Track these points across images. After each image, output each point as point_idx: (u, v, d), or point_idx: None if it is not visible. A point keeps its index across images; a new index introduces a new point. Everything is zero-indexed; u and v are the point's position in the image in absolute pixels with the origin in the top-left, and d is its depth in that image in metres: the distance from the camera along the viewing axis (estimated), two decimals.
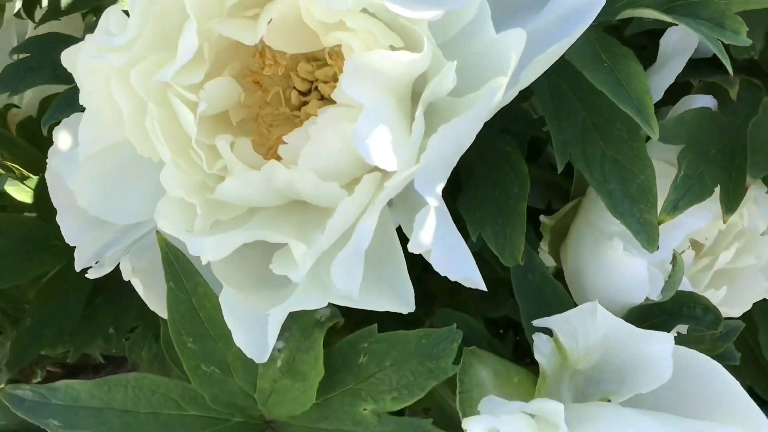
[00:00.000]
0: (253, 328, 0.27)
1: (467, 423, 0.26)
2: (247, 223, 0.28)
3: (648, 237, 0.32)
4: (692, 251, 0.36)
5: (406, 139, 0.25)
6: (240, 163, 0.27)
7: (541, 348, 0.34)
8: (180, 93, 0.27)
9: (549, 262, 0.39)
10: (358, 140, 0.24)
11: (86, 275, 0.31)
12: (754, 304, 0.40)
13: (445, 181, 0.27)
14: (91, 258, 0.31)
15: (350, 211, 0.26)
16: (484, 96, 0.25)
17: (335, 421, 0.33)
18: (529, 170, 0.40)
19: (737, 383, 0.31)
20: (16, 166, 0.44)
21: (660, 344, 0.30)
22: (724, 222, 0.33)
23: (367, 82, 0.25)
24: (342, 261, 0.26)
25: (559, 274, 0.39)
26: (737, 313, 0.38)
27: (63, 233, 0.30)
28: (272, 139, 0.29)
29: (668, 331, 0.35)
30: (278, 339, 0.31)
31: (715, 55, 0.29)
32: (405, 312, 0.27)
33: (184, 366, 0.30)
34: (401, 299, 0.28)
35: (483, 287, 0.28)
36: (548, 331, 0.34)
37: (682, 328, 0.35)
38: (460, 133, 0.25)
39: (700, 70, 0.38)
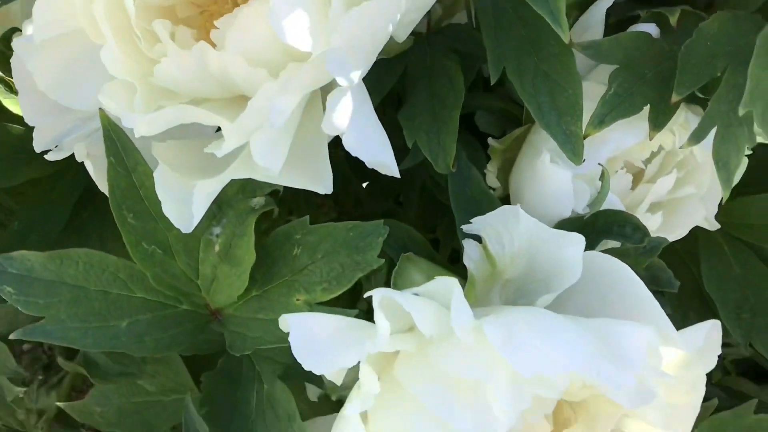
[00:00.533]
0: (182, 200, 0.29)
1: (370, 292, 0.28)
2: None
3: (573, 149, 0.33)
4: (629, 175, 0.37)
5: (323, 22, 0.27)
6: (175, 45, 0.29)
7: (470, 253, 0.35)
8: None
9: (497, 186, 0.40)
10: (274, 18, 0.26)
11: (46, 157, 0.34)
12: (697, 235, 0.41)
13: (364, 70, 0.29)
14: (50, 141, 0.34)
15: (271, 91, 0.27)
16: None
17: (271, 311, 0.35)
18: (488, 100, 0.42)
19: (645, 287, 0.32)
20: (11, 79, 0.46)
21: (572, 246, 0.32)
22: (651, 139, 0.34)
23: None
24: (260, 137, 0.28)
25: (506, 199, 0.41)
26: (673, 238, 0.39)
27: (23, 114, 0.33)
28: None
29: (594, 246, 0.37)
30: (216, 226, 0.34)
31: None
32: (322, 192, 0.29)
33: (125, 238, 0.32)
34: (321, 181, 0.29)
35: (396, 173, 0.29)
36: (478, 239, 0.35)
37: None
38: (372, 18, 0.27)
39: (649, 3, 0.39)
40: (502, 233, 0.34)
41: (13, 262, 0.33)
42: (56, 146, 0.34)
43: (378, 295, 0.28)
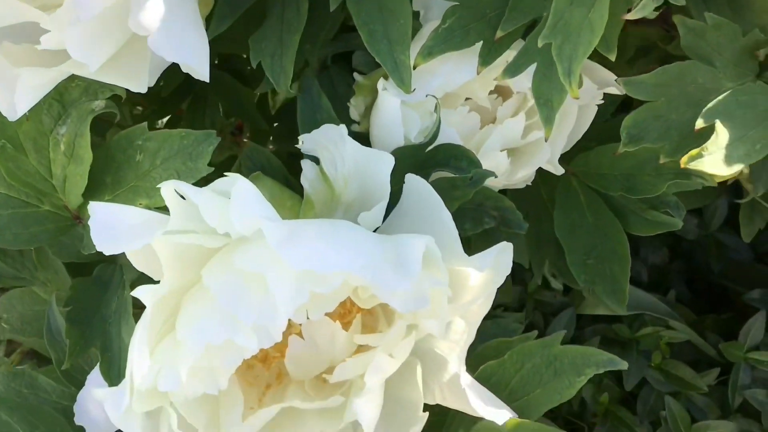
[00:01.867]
0: (9, 89, 0.31)
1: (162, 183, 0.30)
2: None
3: (401, 77, 0.34)
4: (476, 114, 0.38)
5: None
6: None
7: (307, 173, 0.37)
8: None
9: (358, 120, 0.41)
10: None
11: None
12: (551, 179, 0.42)
13: None
14: None
15: None
16: None
17: None
18: None
19: (448, 213, 0.32)
20: None
21: (384, 163, 0.33)
22: (478, 73, 0.35)
23: None
24: (74, 31, 0.29)
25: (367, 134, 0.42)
26: (520, 179, 0.40)
27: None
28: None
29: (428, 176, 0.38)
30: (62, 126, 0.36)
31: None
32: (137, 90, 0.31)
33: None
34: (136, 81, 0.31)
35: (205, 78, 0.31)
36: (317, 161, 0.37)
37: None
38: None
39: None
40: (334, 154, 0.35)
41: None
42: None
43: (169, 186, 0.29)
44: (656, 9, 0.31)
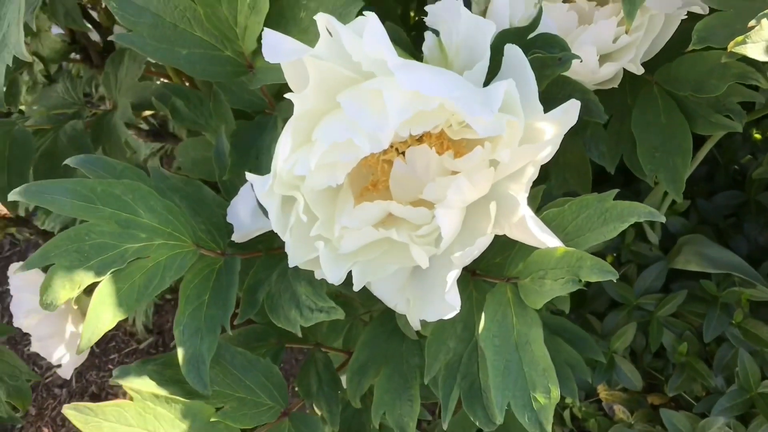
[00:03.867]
0: None
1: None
2: None
3: None
4: (574, 12, 0.45)
5: None
6: None
7: (428, 42, 0.45)
8: None
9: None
10: None
11: None
12: (636, 86, 0.48)
13: None
14: None
15: None
16: None
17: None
18: None
19: (533, 77, 0.40)
20: None
21: (487, 28, 0.41)
22: None
23: None
24: None
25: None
26: (606, 77, 0.46)
27: None
28: None
29: (530, 54, 0.45)
30: None
31: None
32: None
33: None
34: None
35: None
36: (437, 33, 0.45)
37: None
38: None
39: None
40: (450, 26, 0.43)
41: None
42: None
43: (322, 18, 0.39)
44: None
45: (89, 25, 0.74)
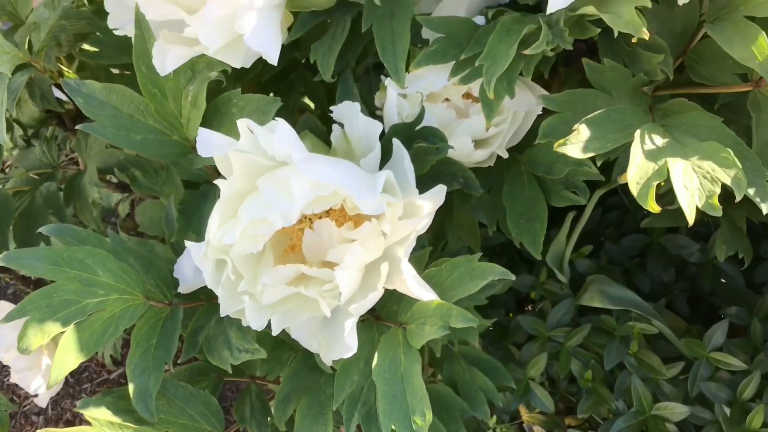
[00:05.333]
0: (163, 57, 0.51)
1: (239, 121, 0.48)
2: None
3: (398, 77, 0.51)
4: (452, 110, 0.55)
5: None
6: None
7: (334, 133, 0.54)
8: None
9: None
10: None
11: (115, 32, 0.57)
12: (509, 164, 0.58)
13: (267, 3, 0.49)
14: (119, 24, 0.56)
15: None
16: None
17: None
18: None
19: (412, 169, 0.49)
20: None
21: (377, 128, 0.50)
22: (448, 80, 0.51)
23: None
24: (202, 29, 0.48)
25: None
26: (482, 159, 0.56)
27: (106, 6, 0.56)
28: None
29: (411, 145, 0.54)
30: (191, 85, 0.55)
31: None
32: (235, 65, 0.50)
33: (138, 80, 0.54)
34: (236, 61, 0.50)
35: (274, 63, 0.49)
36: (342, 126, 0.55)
37: None
38: None
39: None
40: (351, 121, 0.53)
41: (84, 86, 0.56)
42: (121, 28, 0.56)
43: (243, 122, 0.48)
44: (552, 50, 0.47)
45: (64, 98, 0.83)
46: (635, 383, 0.87)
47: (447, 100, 0.55)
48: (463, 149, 0.55)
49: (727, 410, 0.84)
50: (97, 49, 0.69)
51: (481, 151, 0.55)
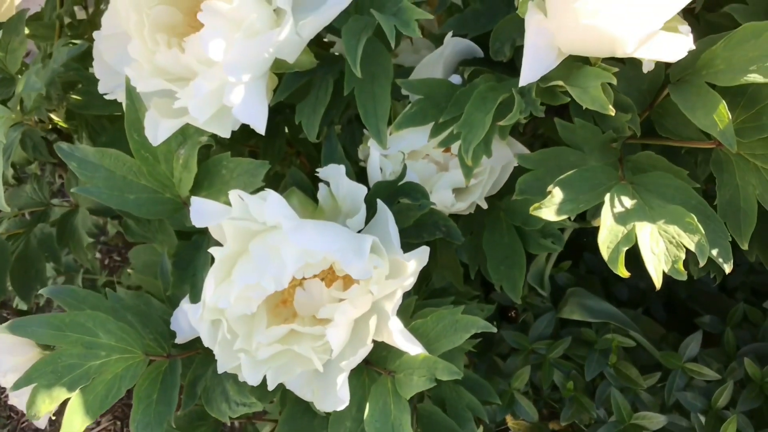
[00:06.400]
0: (155, 128, 0.52)
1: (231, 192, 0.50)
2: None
3: (380, 139, 0.53)
4: (433, 164, 0.57)
5: (229, 47, 0.49)
6: (165, 47, 0.51)
7: (321, 191, 0.56)
8: None
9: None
10: (204, 42, 0.48)
11: (105, 96, 0.58)
12: (489, 212, 0.60)
13: (255, 73, 0.50)
14: (108, 89, 0.58)
15: (200, 80, 0.50)
16: None
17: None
18: None
19: (396, 228, 0.51)
20: None
21: (361, 192, 0.52)
22: (428, 141, 0.53)
23: None
24: (192, 101, 0.50)
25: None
26: (462, 207, 0.58)
27: (95, 73, 0.57)
28: None
29: (397, 201, 0.57)
30: (182, 149, 0.57)
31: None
32: (223, 135, 0.51)
33: (131, 146, 0.56)
34: (223, 130, 0.52)
35: (262, 132, 0.51)
36: (328, 184, 0.56)
37: None
38: (253, 48, 0.49)
39: (471, 62, 0.58)
40: (337, 182, 0.55)
41: (77, 150, 0.57)
42: (111, 92, 0.58)
43: (234, 193, 0.50)
44: (526, 119, 0.49)
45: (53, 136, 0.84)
46: (614, 394, 0.90)
47: (427, 155, 0.57)
48: (444, 201, 0.57)
49: (703, 418, 0.88)
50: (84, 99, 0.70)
51: (462, 203, 0.57)
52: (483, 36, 0.58)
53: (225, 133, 0.51)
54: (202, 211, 0.51)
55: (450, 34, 0.57)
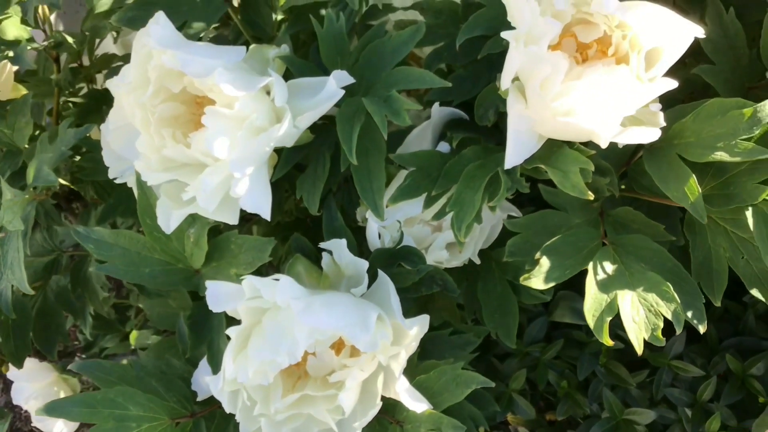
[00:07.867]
0: (167, 216, 0.55)
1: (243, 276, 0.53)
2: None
3: (378, 213, 0.56)
4: (428, 227, 0.60)
5: (233, 145, 0.52)
6: (172, 141, 0.54)
7: (325, 260, 0.60)
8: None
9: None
10: (209, 142, 0.51)
11: (115, 181, 0.60)
12: (483, 264, 0.64)
13: (257, 166, 0.53)
14: (117, 173, 0.60)
15: (206, 174, 0.53)
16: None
17: (221, 275, 0.61)
18: None
19: (396, 296, 0.55)
20: None
21: (363, 265, 0.56)
22: (423, 211, 0.57)
23: None
24: (200, 195, 0.53)
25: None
26: (456, 264, 0.62)
27: (105, 161, 0.60)
28: None
29: (395, 265, 0.60)
30: (192, 229, 0.59)
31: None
32: (231, 223, 0.54)
33: (144, 229, 0.59)
34: (230, 218, 0.55)
35: (268, 218, 0.54)
36: (330, 253, 0.60)
37: None
38: (254, 145, 0.51)
39: (459, 129, 0.61)
40: (339, 253, 0.58)
41: (93, 232, 0.60)
42: (120, 176, 0.60)
43: (247, 279, 0.53)
44: (512, 195, 0.52)
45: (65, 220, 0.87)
46: (606, 393, 0.95)
47: (422, 220, 0.60)
48: (439, 259, 0.60)
49: (689, 412, 0.92)
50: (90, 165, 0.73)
51: (456, 261, 0.61)
52: (468, 99, 0.61)
53: (233, 221, 0.54)
54: (218, 295, 0.54)
55: (437, 104, 0.59)
